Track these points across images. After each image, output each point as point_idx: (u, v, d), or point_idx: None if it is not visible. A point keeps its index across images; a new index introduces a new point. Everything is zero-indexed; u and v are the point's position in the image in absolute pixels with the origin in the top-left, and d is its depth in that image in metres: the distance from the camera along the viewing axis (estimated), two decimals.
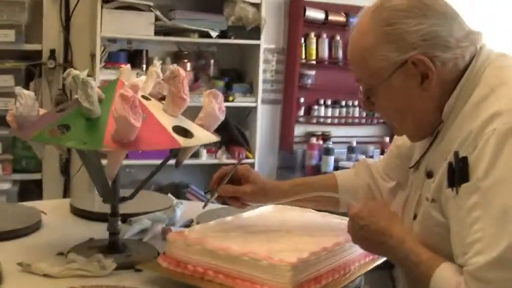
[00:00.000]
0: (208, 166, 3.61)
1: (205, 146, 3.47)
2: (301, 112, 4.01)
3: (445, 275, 1.03)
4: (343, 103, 4.08)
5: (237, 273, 1.22)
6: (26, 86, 3.28)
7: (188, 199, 3.48)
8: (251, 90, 3.70)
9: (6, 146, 3.27)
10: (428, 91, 1.12)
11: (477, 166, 1.01)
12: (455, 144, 1.06)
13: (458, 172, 1.03)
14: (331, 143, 3.85)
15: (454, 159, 1.05)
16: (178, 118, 1.45)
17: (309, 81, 3.98)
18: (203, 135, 1.44)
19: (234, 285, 1.22)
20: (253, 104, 3.66)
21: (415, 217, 1.17)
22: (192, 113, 1.50)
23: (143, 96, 1.46)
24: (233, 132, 3.61)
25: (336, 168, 3.65)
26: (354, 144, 3.91)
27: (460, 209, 1.02)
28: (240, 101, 3.63)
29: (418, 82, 1.11)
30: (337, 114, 4.09)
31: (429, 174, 1.15)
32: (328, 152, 3.70)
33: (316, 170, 3.74)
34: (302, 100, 3.99)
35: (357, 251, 1.34)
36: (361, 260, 1.37)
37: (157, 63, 1.60)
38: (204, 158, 3.60)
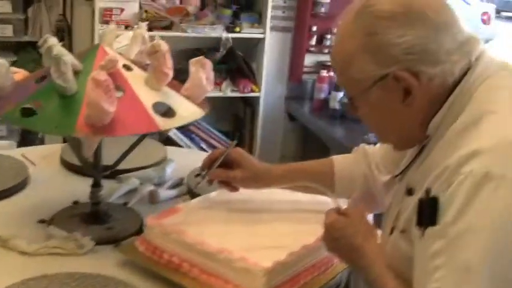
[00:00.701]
0: (213, 99, 3.49)
1: None
2: (313, 41, 3.87)
3: None
4: None
5: (212, 270, 1.19)
6: (24, 12, 3.17)
7: (192, 131, 3.44)
8: (260, 21, 3.54)
9: None
10: (412, 107, 1.02)
11: (447, 209, 0.92)
12: (433, 173, 0.97)
13: (427, 213, 0.95)
14: None
15: (425, 197, 0.97)
16: (161, 92, 1.37)
17: (323, 9, 3.80)
18: (187, 113, 1.37)
19: (208, 281, 1.18)
20: (261, 36, 3.51)
21: (392, 231, 1.11)
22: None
23: (125, 66, 1.37)
24: (239, 64, 3.50)
25: (343, 104, 3.55)
26: None
27: (424, 251, 0.95)
28: (248, 31, 3.49)
29: (400, 97, 1.01)
30: None
31: (409, 192, 1.07)
32: (337, 87, 3.59)
33: (324, 103, 3.64)
34: (314, 29, 3.83)
35: None
36: None
37: (143, 25, 1.51)
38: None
